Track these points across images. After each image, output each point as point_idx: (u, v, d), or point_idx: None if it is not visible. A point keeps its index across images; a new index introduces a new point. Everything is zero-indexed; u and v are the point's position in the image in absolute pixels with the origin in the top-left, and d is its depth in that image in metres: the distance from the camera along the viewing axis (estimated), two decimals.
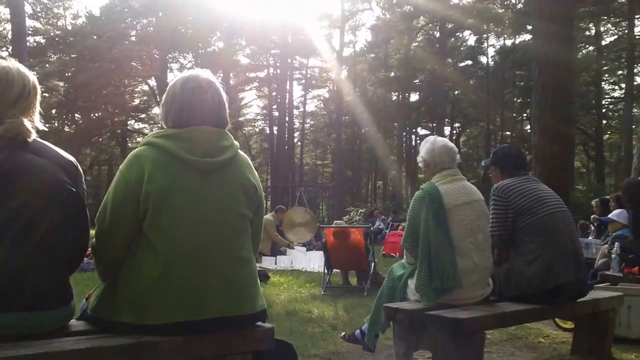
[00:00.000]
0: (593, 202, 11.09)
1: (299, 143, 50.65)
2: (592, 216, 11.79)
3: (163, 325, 2.23)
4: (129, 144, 42.47)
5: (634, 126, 27.80)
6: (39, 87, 2.37)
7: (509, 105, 39.89)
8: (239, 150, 2.54)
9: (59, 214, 2.20)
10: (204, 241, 2.33)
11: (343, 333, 4.42)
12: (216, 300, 2.31)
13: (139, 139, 41.66)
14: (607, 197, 10.35)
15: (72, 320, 2.40)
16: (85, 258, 2.56)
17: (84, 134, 37.99)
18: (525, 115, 38.66)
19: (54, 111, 37.64)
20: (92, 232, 2.43)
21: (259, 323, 2.50)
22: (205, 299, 2.29)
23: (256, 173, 2.61)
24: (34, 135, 2.23)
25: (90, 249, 2.50)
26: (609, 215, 7.14)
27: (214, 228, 2.36)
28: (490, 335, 4.58)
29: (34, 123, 2.28)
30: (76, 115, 40.00)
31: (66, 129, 39.90)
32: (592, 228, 11.11)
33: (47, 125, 2.51)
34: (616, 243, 6.27)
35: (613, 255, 6.22)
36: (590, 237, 10.03)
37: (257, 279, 2.53)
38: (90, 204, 2.45)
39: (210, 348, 2.33)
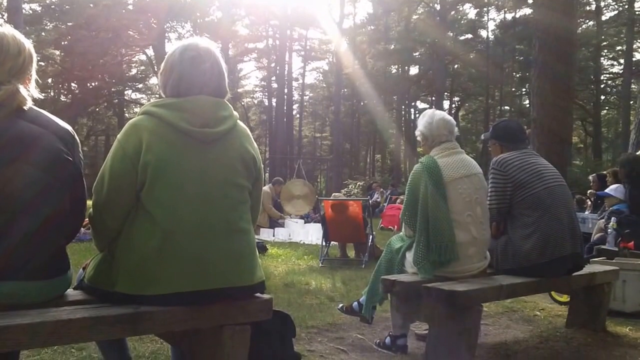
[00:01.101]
0: (590, 177, 11.10)
1: (298, 115, 50.47)
2: (588, 191, 11.80)
3: (160, 296, 2.23)
4: (126, 114, 42.27)
5: (632, 102, 27.73)
6: (34, 54, 2.33)
7: (509, 80, 39.74)
8: (238, 121, 2.51)
9: (56, 183, 2.18)
10: (202, 212, 2.31)
11: (341, 305, 4.44)
12: (214, 272, 2.31)
13: (136, 109, 41.48)
14: (604, 172, 10.35)
15: (68, 290, 2.39)
16: (82, 228, 2.54)
17: (81, 104, 37.74)
18: (524, 89, 38.53)
19: (50, 80, 37.37)
20: (89, 202, 2.42)
21: (258, 294, 2.50)
22: (203, 270, 2.29)
23: (255, 144, 2.59)
24: (29, 103, 2.20)
25: (87, 219, 2.48)
26: (606, 190, 7.14)
27: (213, 199, 2.35)
28: (487, 308, 4.60)
29: (29, 91, 2.25)
30: (72, 84, 39.68)
31: (62, 98, 39.62)
32: (589, 203, 11.12)
33: (43, 94, 2.47)
34: (612, 218, 6.28)
35: (609, 230, 6.24)
36: (586, 212, 10.03)
37: (256, 251, 2.52)
38: (86, 174, 2.42)
39: (208, 319, 2.34)
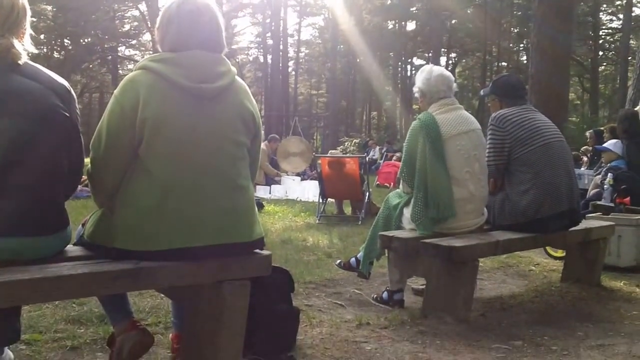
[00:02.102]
0: (587, 134, 11.10)
1: (294, 72, 50.01)
2: (583, 147, 11.82)
3: (159, 252, 2.24)
4: (120, 71, 41.83)
5: (630, 57, 27.54)
6: (28, 8, 2.28)
7: (506, 36, 39.30)
8: (237, 77, 2.48)
9: (53, 138, 2.16)
10: (200, 169, 2.31)
11: (338, 261, 4.48)
12: (213, 228, 2.31)
13: (129, 66, 41.01)
14: (601, 128, 10.35)
15: (68, 246, 2.40)
16: (79, 185, 2.54)
17: (74, 60, 37.31)
18: (522, 45, 38.16)
19: (42, 36, 36.84)
20: (87, 159, 2.41)
21: (257, 250, 2.51)
22: (202, 227, 2.29)
23: (254, 100, 2.57)
24: (24, 58, 2.16)
25: (85, 176, 2.48)
26: (604, 145, 7.14)
27: (211, 155, 2.33)
28: (483, 263, 4.65)
29: (24, 45, 2.21)
30: (65, 40, 39.14)
31: (55, 55, 39.15)
32: (585, 159, 11.14)
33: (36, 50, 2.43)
34: (609, 174, 6.29)
35: (605, 186, 6.25)
36: (582, 168, 10.06)
37: (255, 207, 2.53)
38: (82, 132, 2.40)
39: (208, 274, 2.35)
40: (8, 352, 2.53)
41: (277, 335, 2.83)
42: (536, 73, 11.88)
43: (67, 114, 2.22)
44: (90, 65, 41.37)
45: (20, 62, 2.14)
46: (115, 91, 2.33)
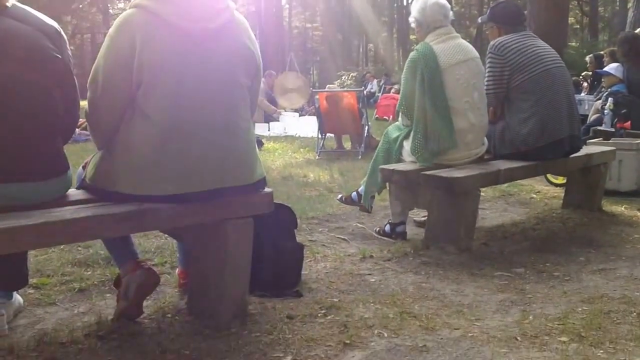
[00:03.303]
0: (587, 58, 10.94)
1: (287, 5, 49.00)
2: (583, 73, 11.68)
3: (162, 197, 2.23)
4: (111, 10, 40.95)
5: None
6: None
7: None
8: (235, 11, 2.40)
9: (45, 81, 2.13)
10: (200, 112, 2.27)
11: (340, 195, 4.49)
12: (214, 172, 2.29)
13: (120, 5, 40.18)
14: (601, 52, 10.20)
15: (70, 190, 2.39)
16: (77, 129, 2.51)
17: (63, 1, 36.56)
18: None
19: None
20: (83, 101, 2.37)
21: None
22: (202, 171, 2.27)
23: (253, 37, 2.50)
24: (12, 0, 2.10)
25: (83, 118, 2.44)
26: (606, 69, 7.05)
27: (211, 97, 2.29)
28: (484, 192, 4.66)
29: None
30: None
31: None
32: (585, 85, 11.04)
33: None
34: (610, 98, 6.23)
35: (606, 111, 6.21)
36: (583, 94, 9.97)
37: (256, 148, 2.51)
38: (75, 74, 2.36)
39: (211, 214, 2.36)
40: (17, 297, 2.57)
41: (282, 271, 2.86)
42: None
43: (59, 56, 2.18)
44: (80, 5, 40.50)
45: (8, 4, 2.09)
46: (110, 31, 2.27)
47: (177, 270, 2.96)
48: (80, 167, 2.54)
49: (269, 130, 11.56)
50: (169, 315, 2.54)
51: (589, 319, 2.46)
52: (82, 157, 3.72)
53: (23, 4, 2.20)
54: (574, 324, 2.42)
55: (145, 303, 2.52)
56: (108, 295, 2.79)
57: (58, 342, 2.26)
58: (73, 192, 2.41)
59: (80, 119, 2.47)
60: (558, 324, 2.42)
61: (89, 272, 3.10)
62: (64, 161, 2.29)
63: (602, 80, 7.22)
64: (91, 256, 3.30)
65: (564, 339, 2.28)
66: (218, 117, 2.31)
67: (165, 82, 2.21)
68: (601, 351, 2.18)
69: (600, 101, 6.88)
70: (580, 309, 2.60)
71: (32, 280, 2.82)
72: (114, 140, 2.31)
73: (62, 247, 3.37)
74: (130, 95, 2.25)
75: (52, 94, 2.17)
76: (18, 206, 2.08)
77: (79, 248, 3.44)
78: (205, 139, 2.27)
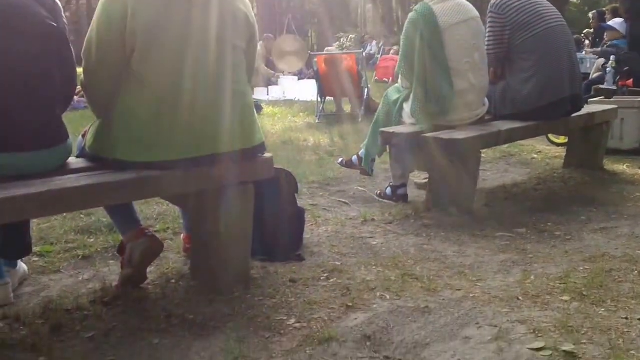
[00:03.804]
0: (590, 15, 10.83)
1: None
2: (585, 30, 11.57)
3: (161, 163, 2.22)
4: None
5: None
6: None
7: None
8: None
9: (42, 51, 2.11)
10: (196, 76, 2.25)
11: (340, 159, 4.48)
12: (213, 137, 2.28)
13: None
14: (603, 9, 10.09)
15: (70, 159, 2.39)
16: (75, 97, 2.49)
17: None
18: None
19: None
20: (80, 69, 2.36)
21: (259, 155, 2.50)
22: (202, 137, 2.26)
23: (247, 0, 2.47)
24: None
25: (80, 86, 2.43)
26: (610, 23, 7.00)
27: (207, 62, 2.27)
28: (485, 153, 4.64)
29: None
30: None
31: None
32: (587, 42, 10.93)
33: None
34: (612, 56, 6.18)
35: (608, 69, 6.17)
36: (584, 52, 9.88)
37: (254, 112, 2.49)
38: (72, 41, 2.34)
39: (212, 180, 2.35)
40: (22, 265, 2.59)
41: (284, 235, 2.87)
42: None
43: (54, 24, 2.15)
44: None
45: None
46: None
47: (182, 235, 2.98)
48: (80, 136, 2.53)
49: (268, 94, 11.48)
50: (173, 281, 2.56)
51: (590, 278, 2.47)
52: (81, 125, 3.71)
53: None
54: (575, 283, 2.44)
55: (149, 269, 2.53)
56: (112, 262, 2.81)
57: (63, 309, 2.28)
58: (73, 161, 2.40)
59: (78, 87, 2.45)
60: (560, 283, 2.44)
61: (92, 240, 3.11)
62: (63, 130, 2.28)
63: (605, 34, 7.15)
64: (94, 223, 3.31)
65: (565, 298, 2.29)
66: (215, 81, 2.29)
67: (158, 48, 2.19)
68: (603, 309, 2.19)
69: (602, 59, 6.83)
70: (581, 268, 2.62)
71: (36, 249, 2.83)
72: (111, 108, 2.30)
73: (64, 215, 3.38)
74: (125, 63, 2.23)
75: (49, 62, 2.15)
76: (19, 176, 2.08)
77: (82, 216, 3.45)
78: (202, 103, 2.26)
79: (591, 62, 7.93)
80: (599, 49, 6.88)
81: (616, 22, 6.68)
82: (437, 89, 3.62)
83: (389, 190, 3.91)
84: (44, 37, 2.13)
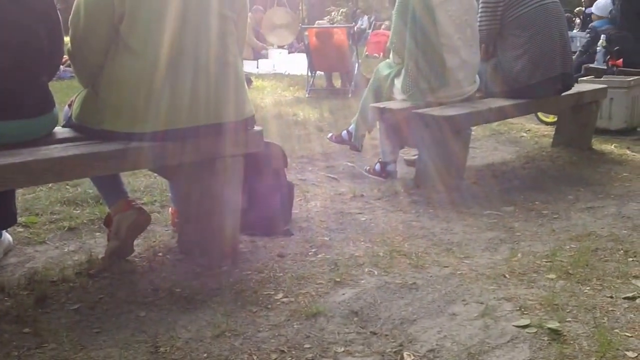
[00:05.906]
0: None
1: None
2: (576, 9, 11.53)
3: (148, 134, 2.19)
4: None
5: None
6: None
7: None
8: None
9: (28, 16, 2.06)
10: (185, 46, 2.22)
11: (330, 134, 4.45)
12: (202, 108, 2.26)
13: None
14: None
15: (57, 128, 2.36)
16: (61, 66, 2.45)
17: None
18: None
19: None
20: (67, 38, 2.31)
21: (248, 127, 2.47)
22: (190, 106, 2.23)
23: None
24: None
25: (67, 55, 2.38)
26: (592, 8, 7.03)
27: (196, 30, 2.24)
28: (474, 131, 4.64)
29: None
30: None
31: None
32: (577, 21, 10.91)
33: None
34: (602, 35, 6.17)
35: (598, 48, 6.16)
36: (575, 30, 9.86)
37: (245, 84, 2.47)
38: (59, 9, 2.29)
39: (201, 152, 2.33)
40: (7, 235, 2.56)
41: (272, 210, 2.86)
42: None
43: None
44: None
45: None
46: None
47: (170, 208, 2.95)
48: (67, 105, 2.49)
49: (257, 67, 11.39)
50: (160, 254, 2.55)
51: (576, 257, 2.48)
52: (67, 95, 3.65)
53: None
54: (561, 261, 2.45)
55: (135, 242, 2.52)
56: (98, 234, 2.79)
57: (49, 280, 2.27)
58: (60, 130, 2.37)
59: (65, 56, 2.41)
60: (546, 262, 2.45)
61: (78, 211, 3.09)
62: (50, 99, 2.25)
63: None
64: (80, 195, 3.28)
65: (551, 276, 2.31)
66: (205, 50, 2.26)
67: (147, 13, 2.16)
68: (588, 288, 2.21)
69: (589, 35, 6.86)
70: (568, 247, 2.63)
71: (21, 219, 2.80)
72: (99, 77, 2.26)
73: (50, 185, 3.35)
74: (113, 31, 2.19)
75: (36, 30, 2.11)
76: (5, 144, 2.04)
77: (67, 187, 3.42)
78: (190, 73, 2.23)
79: (581, 41, 7.91)
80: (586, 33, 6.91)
81: (598, 5, 6.72)
82: (429, 66, 3.60)
83: (378, 166, 3.90)
84: (31, 5, 2.08)
